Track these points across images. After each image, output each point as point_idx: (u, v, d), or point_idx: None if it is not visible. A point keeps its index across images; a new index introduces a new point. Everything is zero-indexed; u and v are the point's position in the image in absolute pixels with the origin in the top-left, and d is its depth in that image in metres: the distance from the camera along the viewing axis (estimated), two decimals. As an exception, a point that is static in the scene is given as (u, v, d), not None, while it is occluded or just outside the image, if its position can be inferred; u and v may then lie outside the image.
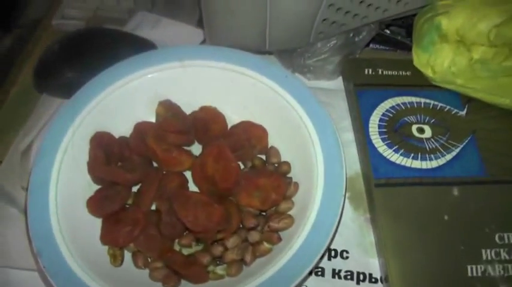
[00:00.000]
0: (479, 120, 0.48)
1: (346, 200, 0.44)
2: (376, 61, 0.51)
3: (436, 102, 0.48)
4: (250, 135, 0.45)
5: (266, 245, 0.39)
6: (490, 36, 0.45)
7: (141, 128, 0.46)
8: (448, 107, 0.48)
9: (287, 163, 0.44)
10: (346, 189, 0.39)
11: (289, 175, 0.43)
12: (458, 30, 0.46)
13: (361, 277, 0.41)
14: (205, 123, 0.47)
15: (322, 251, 0.36)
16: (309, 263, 0.36)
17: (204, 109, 0.47)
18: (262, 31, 0.46)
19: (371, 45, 0.56)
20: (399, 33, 0.55)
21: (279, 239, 0.39)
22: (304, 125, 0.43)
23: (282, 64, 0.52)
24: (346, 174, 0.39)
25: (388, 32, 0.55)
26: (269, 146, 0.46)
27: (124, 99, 0.47)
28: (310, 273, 0.40)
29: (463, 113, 0.48)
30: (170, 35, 0.58)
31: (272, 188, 0.41)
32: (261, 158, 0.45)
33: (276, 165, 0.44)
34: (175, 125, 0.45)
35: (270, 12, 0.44)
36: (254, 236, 0.39)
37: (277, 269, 0.36)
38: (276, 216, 0.40)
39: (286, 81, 0.45)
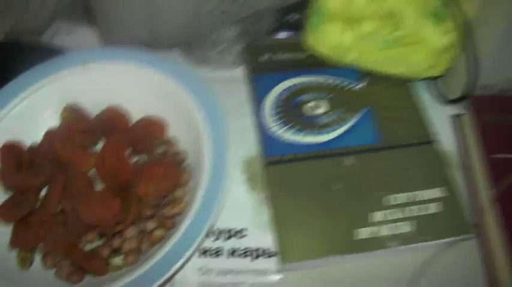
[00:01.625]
0: (375, 92, 0.50)
1: (244, 182, 0.46)
2: (272, 46, 0.53)
3: (332, 80, 0.50)
4: (151, 129, 0.47)
5: (159, 232, 0.41)
6: (371, 9, 0.47)
7: (51, 134, 0.48)
8: (344, 82, 0.50)
9: (182, 152, 0.45)
10: (228, 171, 0.41)
11: (187, 163, 0.45)
12: (343, 7, 0.48)
13: (258, 253, 0.42)
14: (111, 122, 0.48)
15: (205, 230, 0.38)
16: (193, 242, 0.37)
17: (108, 109, 0.49)
18: (151, 27, 0.47)
19: (274, 32, 0.57)
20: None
21: (172, 224, 0.41)
22: (196, 115, 0.45)
23: (184, 57, 0.53)
24: (229, 156, 0.41)
25: (289, 17, 0.57)
26: (170, 136, 0.47)
27: (33, 108, 0.48)
28: (205, 255, 0.42)
29: (360, 86, 0.50)
30: (84, 40, 0.59)
31: (164, 177, 0.42)
32: (163, 150, 0.47)
33: (175, 154, 0.46)
34: (78, 126, 0.47)
35: (155, 5, 0.46)
36: (149, 225, 0.41)
37: (165, 252, 0.38)
38: (171, 203, 0.42)
39: (180, 75, 0.47)
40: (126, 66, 0.48)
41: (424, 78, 0.51)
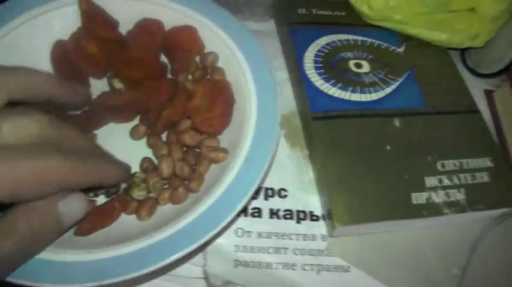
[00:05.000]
0: (417, 57, 0.47)
1: (282, 138, 0.41)
2: (310, 1, 0.49)
3: (373, 40, 0.47)
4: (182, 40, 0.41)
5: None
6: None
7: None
8: (385, 44, 0.47)
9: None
10: (281, 124, 0.36)
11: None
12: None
13: (301, 215, 0.38)
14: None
15: (254, 187, 0.33)
16: (240, 199, 0.32)
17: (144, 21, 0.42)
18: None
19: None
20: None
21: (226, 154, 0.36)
22: (236, 59, 0.40)
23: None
24: (280, 107, 0.36)
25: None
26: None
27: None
28: (246, 214, 0.37)
29: (401, 50, 0.47)
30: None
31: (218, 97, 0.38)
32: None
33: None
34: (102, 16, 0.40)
35: None
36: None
37: (208, 206, 0.32)
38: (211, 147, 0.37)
39: (215, 14, 0.42)
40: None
41: (465, 48, 0.49)
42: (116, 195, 0.34)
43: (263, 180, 0.35)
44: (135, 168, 0.36)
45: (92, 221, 0.33)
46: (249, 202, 0.37)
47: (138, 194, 0.34)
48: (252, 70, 0.39)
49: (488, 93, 0.50)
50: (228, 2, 0.47)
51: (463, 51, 0.52)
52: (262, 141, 0.35)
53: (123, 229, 0.33)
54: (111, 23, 0.40)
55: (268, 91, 0.38)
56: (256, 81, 0.38)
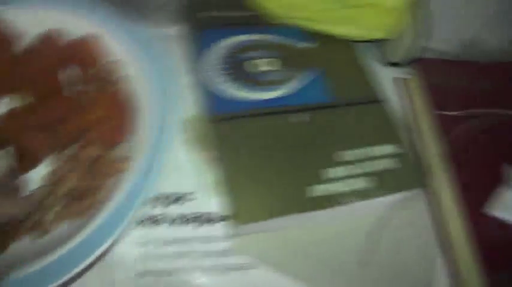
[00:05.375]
0: (323, 52, 0.48)
1: (186, 142, 0.42)
2: (217, 3, 0.49)
3: (279, 38, 0.48)
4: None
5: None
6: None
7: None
8: (292, 41, 0.48)
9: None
10: (182, 128, 0.38)
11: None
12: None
13: (204, 218, 0.39)
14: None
15: (149, 195, 0.34)
16: (134, 209, 0.34)
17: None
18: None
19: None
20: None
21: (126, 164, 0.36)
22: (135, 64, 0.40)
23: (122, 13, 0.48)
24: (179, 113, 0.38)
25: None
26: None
27: None
28: (146, 222, 0.38)
29: (308, 45, 0.48)
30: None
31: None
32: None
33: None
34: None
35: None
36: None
37: (96, 225, 0.33)
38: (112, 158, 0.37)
39: (116, 22, 0.42)
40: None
41: (373, 40, 0.50)
42: None
43: (161, 187, 0.36)
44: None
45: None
46: (150, 210, 0.38)
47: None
48: (151, 78, 0.40)
49: (398, 80, 0.52)
50: (133, 9, 0.47)
51: (374, 42, 0.53)
52: (160, 149, 0.36)
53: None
54: (6, 39, 0.40)
55: (168, 98, 0.39)
56: (156, 88, 0.40)
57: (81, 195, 0.36)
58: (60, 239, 0.32)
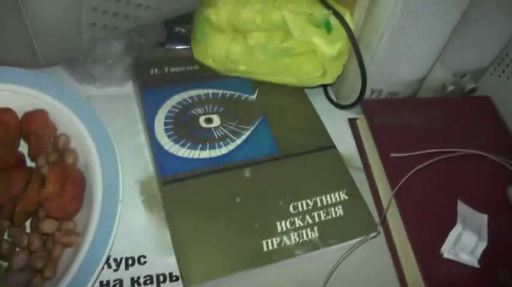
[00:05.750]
0: (270, 102, 0.49)
1: (141, 204, 0.42)
2: (163, 60, 0.51)
3: (225, 91, 0.49)
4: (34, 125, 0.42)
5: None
6: (257, 22, 0.46)
7: None
8: (237, 93, 0.49)
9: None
10: (121, 201, 0.38)
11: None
12: (229, 21, 0.47)
13: (161, 278, 0.39)
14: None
15: (99, 268, 0.34)
16: (88, 279, 0.34)
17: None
18: (30, 45, 0.43)
19: (166, 45, 0.55)
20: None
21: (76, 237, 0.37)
22: (84, 136, 0.41)
23: (70, 75, 0.49)
24: (122, 185, 0.39)
25: (180, 30, 0.55)
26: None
27: None
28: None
29: (254, 97, 0.49)
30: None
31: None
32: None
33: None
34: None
35: (30, 23, 0.41)
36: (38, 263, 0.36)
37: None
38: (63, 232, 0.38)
39: (61, 94, 0.43)
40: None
41: (318, 86, 0.52)
42: None
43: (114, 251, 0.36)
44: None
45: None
46: (111, 274, 0.38)
47: None
48: (97, 149, 0.41)
49: (352, 121, 0.53)
50: (81, 71, 0.48)
51: (324, 86, 0.54)
52: (106, 220, 0.37)
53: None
54: None
55: (113, 169, 0.39)
56: (101, 159, 0.40)
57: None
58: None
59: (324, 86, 0.55)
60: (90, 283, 0.34)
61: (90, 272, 0.34)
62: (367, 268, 0.41)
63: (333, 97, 0.54)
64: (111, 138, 0.40)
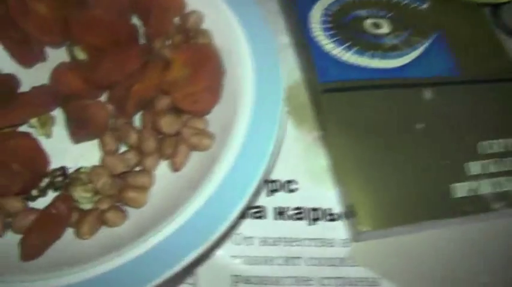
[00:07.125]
0: (445, 15, 0.39)
1: (287, 116, 0.33)
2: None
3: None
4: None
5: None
6: None
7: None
8: (406, 0, 0.38)
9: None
10: (284, 99, 0.28)
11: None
12: None
13: (315, 214, 0.30)
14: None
15: (254, 185, 0.25)
16: (237, 201, 0.25)
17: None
18: None
19: None
20: None
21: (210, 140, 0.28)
22: (225, 19, 0.32)
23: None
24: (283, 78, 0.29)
25: None
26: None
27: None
28: (245, 215, 0.29)
29: (426, 6, 0.39)
30: None
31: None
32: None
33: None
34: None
35: None
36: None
37: (191, 214, 0.24)
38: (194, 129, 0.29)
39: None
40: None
41: (498, 3, 0.41)
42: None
43: (266, 174, 0.27)
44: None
45: (40, 234, 0.25)
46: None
47: (81, 196, 0.26)
48: (245, 33, 0.31)
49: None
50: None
51: (496, 7, 0.44)
52: (262, 123, 0.28)
53: (76, 244, 0.25)
54: None
55: (268, 58, 0.30)
56: (252, 46, 0.31)
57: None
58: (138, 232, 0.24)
59: (496, 7, 0.44)
60: (234, 214, 0.24)
61: (234, 197, 0.25)
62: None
63: (507, 22, 0.44)
64: (263, 19, 0.31)
